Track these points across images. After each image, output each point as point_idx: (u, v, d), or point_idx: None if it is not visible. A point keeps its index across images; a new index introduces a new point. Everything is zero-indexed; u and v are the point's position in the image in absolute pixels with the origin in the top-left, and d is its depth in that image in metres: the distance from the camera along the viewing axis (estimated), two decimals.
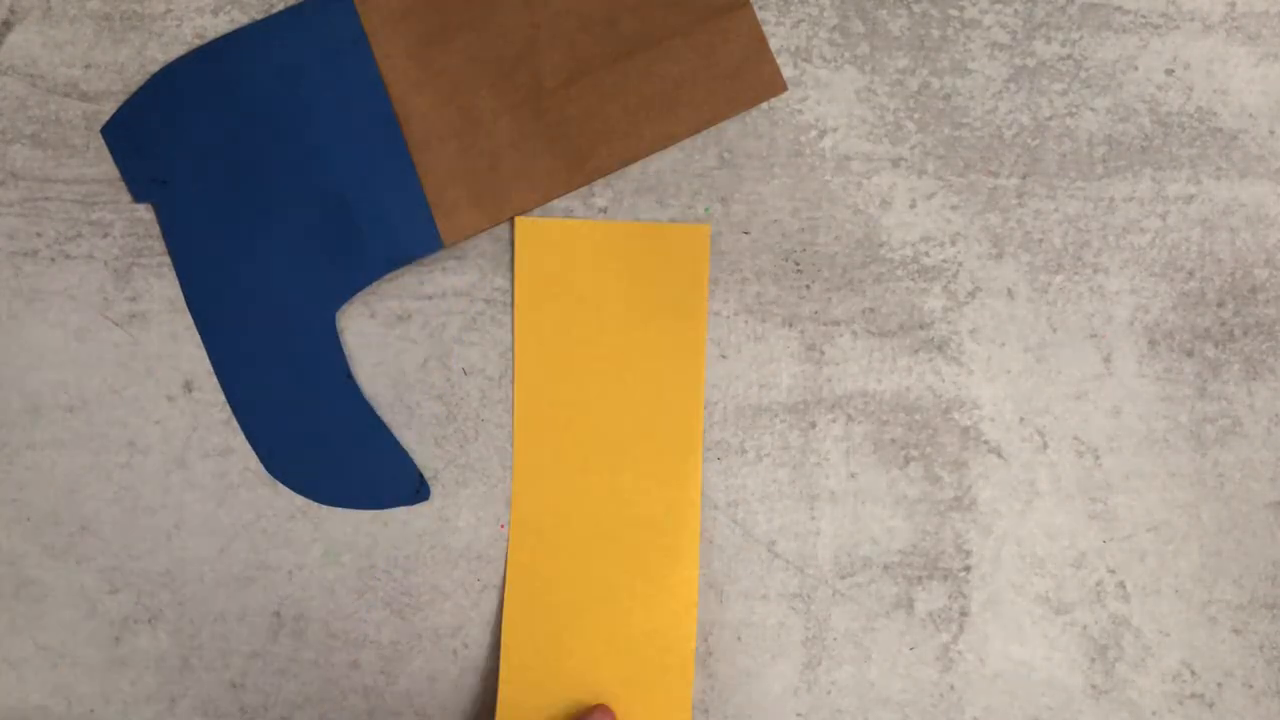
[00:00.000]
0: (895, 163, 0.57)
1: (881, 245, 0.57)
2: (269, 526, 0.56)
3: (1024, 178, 0.57)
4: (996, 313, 0.57)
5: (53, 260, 0.57)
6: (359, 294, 0.57)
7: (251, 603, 0.56)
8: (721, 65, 0.57)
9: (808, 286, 0.57)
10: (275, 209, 0.57)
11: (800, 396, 0.56)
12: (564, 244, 0.56)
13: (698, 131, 0.57)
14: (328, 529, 0.56)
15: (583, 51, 0.57)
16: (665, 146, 0.57)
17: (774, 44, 0.57)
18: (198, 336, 0.57)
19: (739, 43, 0.57)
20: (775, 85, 0.57)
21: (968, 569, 0.56)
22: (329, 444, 0.56)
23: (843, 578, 0.56)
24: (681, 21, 0.57)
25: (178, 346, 0.57)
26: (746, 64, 0.57)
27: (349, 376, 0.56)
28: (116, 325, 0.57)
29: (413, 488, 0.56)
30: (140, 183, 0.57)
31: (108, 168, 0.57)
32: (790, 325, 0.57)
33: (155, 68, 0.57)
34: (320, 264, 0.56)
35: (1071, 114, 0.57)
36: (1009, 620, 0.56)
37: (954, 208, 0.57)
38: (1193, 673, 0.56)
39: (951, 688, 0.56)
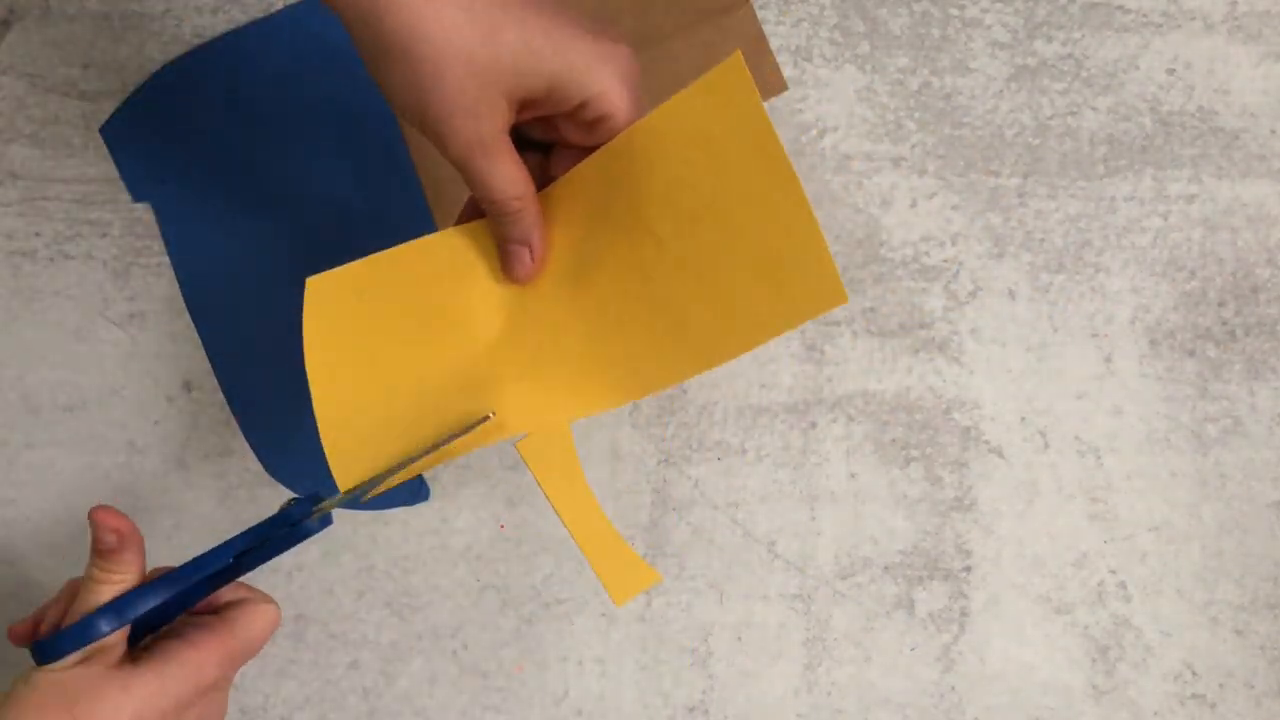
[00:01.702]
0: (896, 162, 0.57)
1: (882, 245, 0.57)
2: None
3: (1025, 177, 0.57)
4: (997, 312, 0.57)
5: (51, 260, 0.57)
6: None
7: None
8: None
9: None
10: (274, 209, 0.56)
11: (800, 396, 0.56)
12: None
13: None
14: (327, 529, 0.56)
15: None
16: None
17: (774, 43, 0.57)
18: (197, 336, 0.56)
19: (739, 42, 0.57)
20: (775, 84, 0.57)
21: (968, 569, 0.56)
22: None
23: (843, 578, 0.56)
24: (682, 20, 0.57)
25: (177, 346, 0.57)
26: (747, 62, 0.57)
27: None
28: (115, 325, 0.57)
29: (413, 488, 0.56)
30: (139, 182, 0.56)
31: (107, 167, 0.57)
32: None
33: (154, 67, 0.57)
34: (320, 264, 0.56)
35: (1073, 113, 0.57)
36: (1010, 621, 0.56)
37: (955, 207, 0.57)
38: (1194, 673, 0.56)
39: (952, 688, 0.56)
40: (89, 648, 0.42)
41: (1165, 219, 0.57)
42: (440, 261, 0.46)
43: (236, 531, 0.58)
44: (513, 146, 0.43)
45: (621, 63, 0.43)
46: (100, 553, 0.43)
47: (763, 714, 0.56)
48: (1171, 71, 0.57)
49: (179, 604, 0.45)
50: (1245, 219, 0.57)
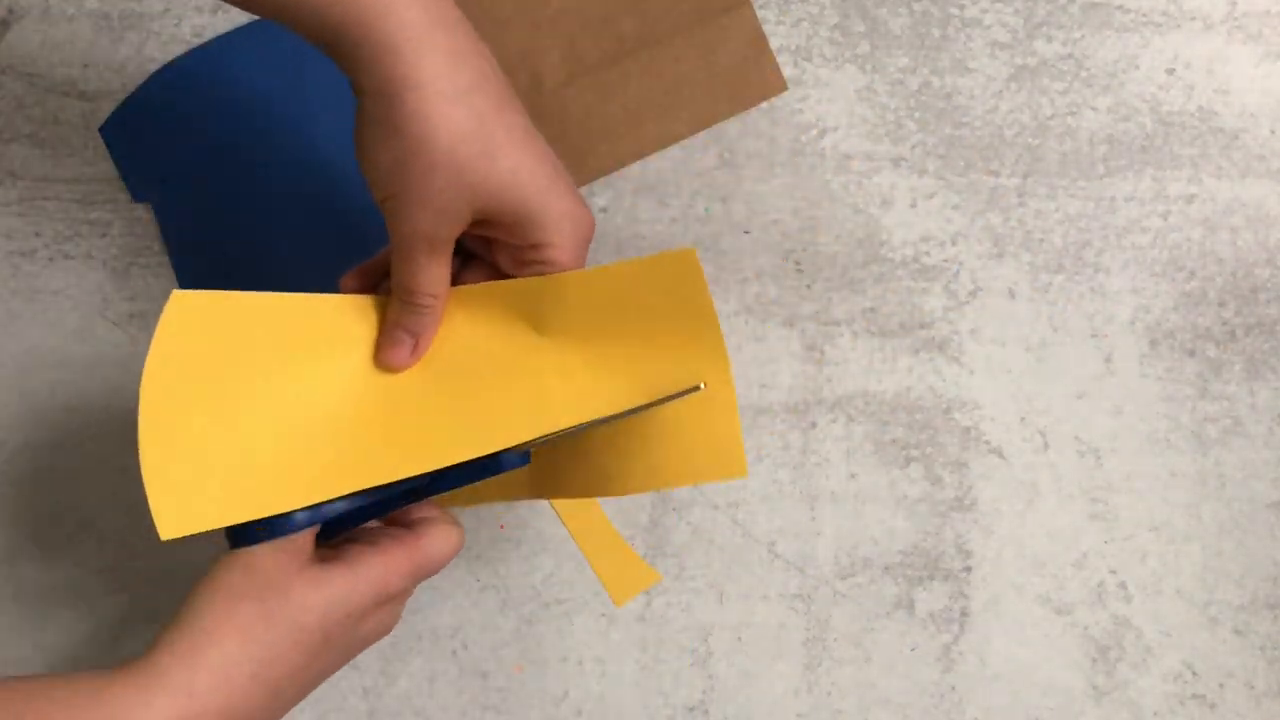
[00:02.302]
0: (896, 162, 0.57)
1: (882, 245, 0.57)
2: None
3: (1025, 177, 0.57)
4: (997, 312, 0.57)
5: (51, 260, 0.57)
6: None
7: None
8: (721, 64, 0.57)
9: (808, 286, 0.57)
10: (274, 207, 0.56)
11: (800, 396, 0.56)
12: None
13: (698, 131, 0.57)
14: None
15: (582, 51, 0.57)
16: (665, 146, 0.57)
17: (774, 43, 0.57)
18: None
19: (739, 42, 0.57)
20: (775, 84, 0.57)
21: (968, 569, 0.56)
22: None
23: (843, 578, 0.56)
24: (681, 21, 0.57)
25: None
26: (746, 63, 0.57)
27: None
28: (115, 325, 0.57)
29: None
30: (138, 182, 0.56)
31: (106, 167, 0.57)
32: (790, 325, 0.57)
33: (154, 67, 0.57)
34: (319, 263, 0.56)
35: (1072, 113, 0.57)
36: (1010, 621, 0.56)
37: (955, 207, 0.57)
38: (1194, 673, 0.56)
39: (952, 688, 0.56)
40: (281, 540, 0.43)
41: (1165, 219, 0.57)
42: (319, 322, 0.45)
43: None
44: (452, 250, 0.44)
45: (584, 226, 0.45)
46: None
47: (763, 714, 0.55)
48: (1171, 71, 0.57)
49: (370, 513, 0.46)
50: (1245, 219, 0.57)
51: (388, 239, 0.45)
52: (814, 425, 0.56)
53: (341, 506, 0.44)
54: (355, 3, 0.41)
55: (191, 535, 0.44)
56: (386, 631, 0.47)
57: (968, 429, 0.56)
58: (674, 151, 0.57)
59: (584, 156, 0.57)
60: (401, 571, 0.45)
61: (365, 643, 0.46)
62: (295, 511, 0.43)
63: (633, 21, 0.57)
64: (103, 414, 0.57)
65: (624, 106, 0.57)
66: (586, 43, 0.57)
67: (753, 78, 0.57)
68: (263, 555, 0.43)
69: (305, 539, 0.44)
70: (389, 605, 0.46)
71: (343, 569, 0.43)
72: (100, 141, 0.57)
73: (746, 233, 0.57)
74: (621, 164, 0.57)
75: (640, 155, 0.57)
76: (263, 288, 0.56)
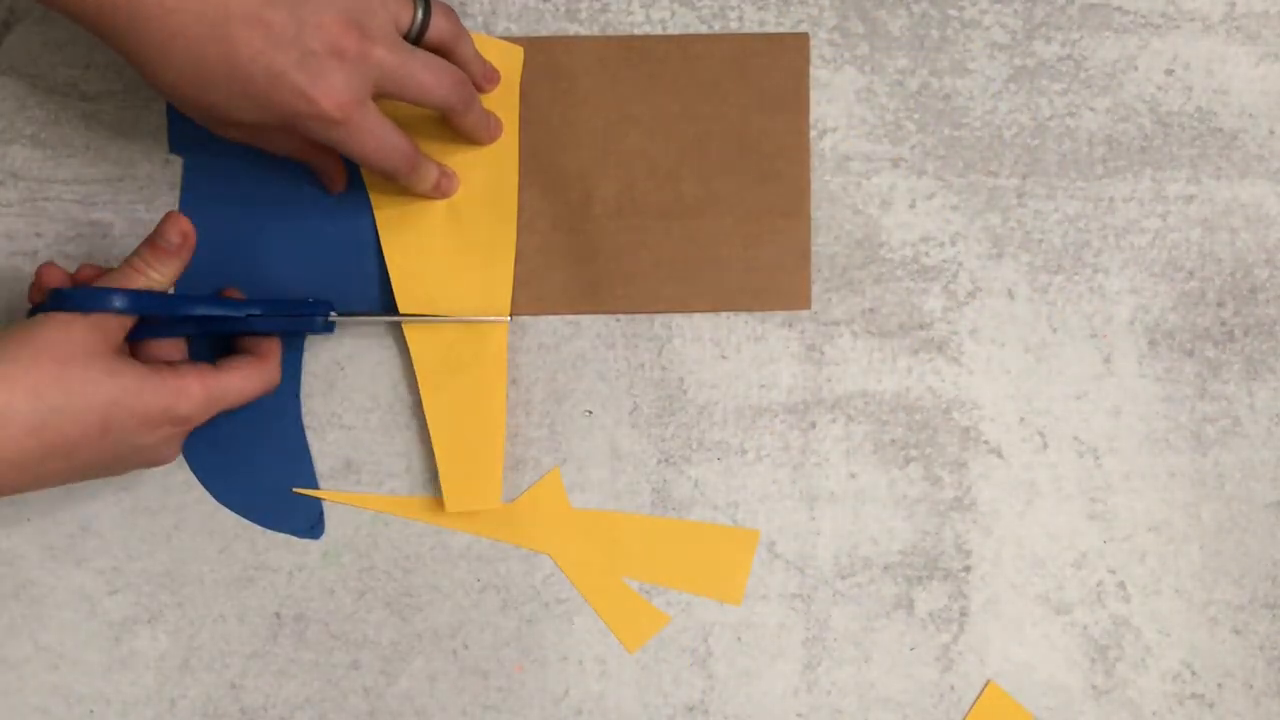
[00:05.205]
0: (895, 163, 0.57)
1: (881, 245, 0.57)
2: None
3: (1024, 178, 0.57)
4: (996, 313, 0.57)
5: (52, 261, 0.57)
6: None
7: (251, 603, 0.56)
8: (760, 261, 0.56)
9: None
10: (288, 216, 0.56)
11: (800, 396, 0.56)
12: None
13: (712, 311, 0.56)
14: (328, 529, 0.56)
15: (639, 194, 0.56)
16: (677, 312, 0.56)
17: None
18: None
19: (785, 248, 0.56)
20: (800, 300, 0.56)
21: (968, 569, 0.56)
22: (245, 442, 0.56)
23: (843, 578, 0.56)
24: (740, 206, 0.56)
25: None
26: (783, 271, 0.56)
27: (296, 395, 0.56)
28: None
29: (309, 524, 0.56)
30: (182, 135, 0.56)
31: (107, 168, 0.57)
32: (790, 325, 0.57)
33: None
34: (307, 276, 0.56)
35: (1071, 114, 0.57)
36: (1009, 620, 0.56)
37: (954, 208, 0.57)
38: (1193, 673, 0.56)
39: (952, 688, 0.56)
40: (97, 318, 0.46)
41: (1164, 219, 0.57)
42: None
43: (238, 530, 0.58)
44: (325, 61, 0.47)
45: None
46: (154, 248, 0.49)
47: (763, 714, 0.56)
48: (1170, 72, 0.57)
49: (184, 329, 0.51)
50: (1244, 219, 0.57)
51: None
52: (814, 425, 0.56)
53: (161, 309, 0.49)
54: None
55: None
56: (161, 460, 0.51)
57: (967, 429, 0.56)
58: None
59: (599, 289, 0.56)
60: (192, 396, 0.48)
61: (139, 454, 0.49)
62: (115, 293, 0.47)
63: (696, 187, 0.56)
64: None
65: (655, 261, 0.56)
66: (647, 187, 0.56)
67: (784, 286, 0.56)
68: (80, 325, 0.46)
69: (118, 325, 0.47)
70: (172, 429, 0.49)
71: (140, 369, 0.47)
72: (101, 142, 0.57)
73: None
74: (629, 311, 0.56)
75: (653, 310, 0.56)
76: (257, 286, 0.56)
